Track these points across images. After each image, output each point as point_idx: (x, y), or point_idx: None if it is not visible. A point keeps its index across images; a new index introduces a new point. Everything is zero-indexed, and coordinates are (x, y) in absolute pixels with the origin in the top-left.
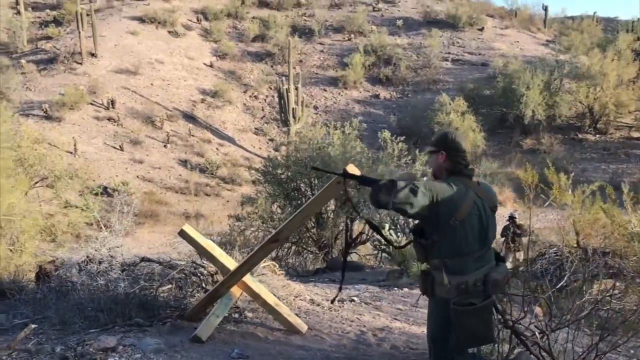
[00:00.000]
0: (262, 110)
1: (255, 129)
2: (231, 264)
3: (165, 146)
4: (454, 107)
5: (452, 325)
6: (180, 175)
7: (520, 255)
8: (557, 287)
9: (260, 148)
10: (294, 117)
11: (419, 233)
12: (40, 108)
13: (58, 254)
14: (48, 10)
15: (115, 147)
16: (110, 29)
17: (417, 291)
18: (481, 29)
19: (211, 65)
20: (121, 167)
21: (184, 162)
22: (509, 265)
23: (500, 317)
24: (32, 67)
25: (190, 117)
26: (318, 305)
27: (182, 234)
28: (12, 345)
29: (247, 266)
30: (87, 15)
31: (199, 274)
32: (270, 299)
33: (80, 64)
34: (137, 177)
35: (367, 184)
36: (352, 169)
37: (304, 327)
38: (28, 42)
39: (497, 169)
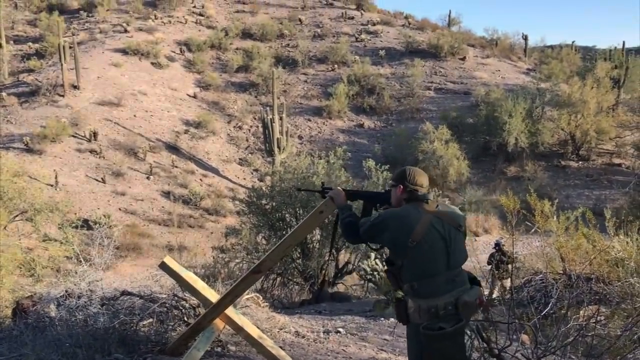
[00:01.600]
0: (247, 140)
1: (240, 159)
2: (213, 296)
3: (148, 178)
4: (437, 135)
5: (424, 350)
6: (163, 207)
7: (507, 283)
8: (543, 314)
9: (244, 178)
10: (278, 147)
11: (389, 262)
12: (21, 141)
13: (36, 289)
14: (30, 43)
15: (97, 180)
16: (93, 61)
17: None
18: (463, 59)
19: (195, 96)
20: (103, 200)
21: (167, 194)
22: (495, 293)
23: (485, 345)
24: (13, 100)
25: (173, 148)
26: (303, 337)
27: (163, 266)
28: None
29: (229, 298)
30: (70, 47)
31: (180, 307)
32: (254, 332)
33: (63, 96)
34: (120, 209)
35: (356, 198)
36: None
37: None
38: (9, 75)
39: (482, 196)
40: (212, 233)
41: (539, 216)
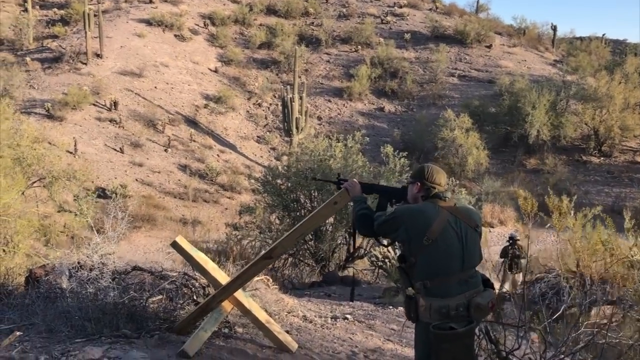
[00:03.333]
0: (265, 118)
1: (258, 137)
2: (223, 278)
3: (165, 150)
4: (458, 123)
5: (432, 350)
6: (179, 180)
7: (519, 278)
8: (554, 317)
9: (261, 156)
10: (297, 127)
11: (401, 259)
12: (42, 107)
13: (50, 258)
14: (56, 9)
15: (115, 149)
16: (116, 30)
17: None
18: (489, 46)
19: (216, 71)
20: (120, 170)
21: (183, 167)
22: (507, 287)
23: (493, 346)
24: (36, 65)
25: (192, 122)
26: (310, 322)
27: (175, 245)
28: None
29: (239, 281)
30: (95, 15)
31: (190, 286)
32: (262, 316)
33: (85, 64)
34: (136, 180)
35: (372, 192)
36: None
37: (294, 346)
38: (34, 40)
39: (500, 187)
40: (226, 209)
41: (557, 217)
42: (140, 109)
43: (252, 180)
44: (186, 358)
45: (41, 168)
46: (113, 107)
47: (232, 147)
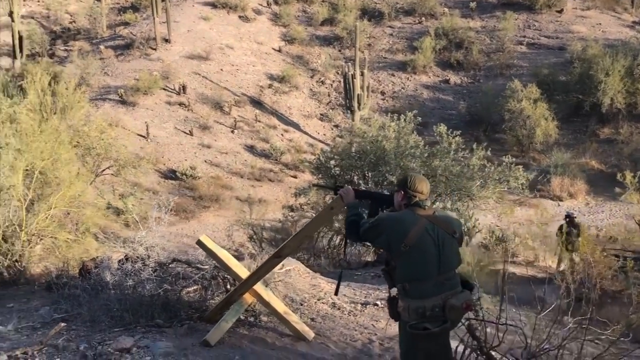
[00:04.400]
0: (328, 95)
1: (321, 114)
2: (244, 273)
3: (232, 131)
4: (526, 94)
5: (410, 347)
6: (245, 160)
7: (577, 257)
8: (541, 315)
9: (324, 134)
10: (358, 103)
11: (386, 262)
12: (116, 93)
13: (93, 249)
14: None
15: (185, 132)
16: (183, 14)
17: None
18: (560, 11)
19: (279, 50)
20: (190, 152)
21: (250, 148)
22: (563, 266)
23: (476, 342)
24: (110, 53)
25: (257, 103)
26: (339, 309)
27: (200, 244)
28: (44, 341)
29: (256, 277)
30: (162, 1)
31: (221, 277)
32: (280, 307)
33: (155, 49)
34: (205, 161)
35: (364, 198)
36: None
37: (310, 335)
38: (107, 28)
39: (570, 159)
40: (290, 187)
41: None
42: (208, 92)
43: (307, 163)
44: (208, 347)
45: (109, 157)
46: (182, 90)
47: (296, 126)
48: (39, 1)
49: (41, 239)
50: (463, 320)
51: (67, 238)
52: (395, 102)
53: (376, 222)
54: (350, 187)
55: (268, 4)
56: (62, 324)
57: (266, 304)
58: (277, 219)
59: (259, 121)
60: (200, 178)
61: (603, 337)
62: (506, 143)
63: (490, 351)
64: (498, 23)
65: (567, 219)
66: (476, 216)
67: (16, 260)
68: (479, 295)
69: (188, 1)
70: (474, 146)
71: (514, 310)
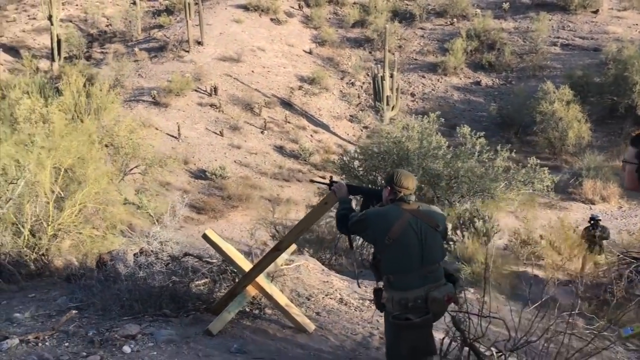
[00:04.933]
0: (358, 97)
1: (350, 116)
2: (247, 266)
3: (262, 132)
4: (558, 95)
5: (394, 337)
6: (274, 161)
7: (601, 259)
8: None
9: (354, 135)
10: (387, 104)
11: (373, 256)
12: (149, 94)
13: (117, 245)
14: (161, 0)
15: (215, 133)
16: (216, 17)
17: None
18: (595, 11)
19: (310, 52)
20: (220, 152)
21: (279, 148)
22: (587, 269)
23: (459, 333)
24: (144, 55)
25: (287, 104)
26: (345, 304)
27: (205, 237)
28: (55, 327)
29: (257, 269)
30: (195, 4)
31: (231, 271)
32: (282, 300)
33: (187, 51)
34: (235, 161)
35: (357, 193)
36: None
37: (311, 327)
38: (142, 31)
39: (603, 162)
40: (318, 188)
41: None
42: (239, 93)
43: (331, 163)
44: (210, 336)
45: (137, 157)
46: (213, 92)
47: (325, 127)
48: (77, 5)
49: (67, 234)
50: (448, 313)
51: (93, 234)
52: (425, 104)
53: (362, 216)
54: (343, 182)
55: (300, 7)
56: (74, 312)
57: (268, 296)
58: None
59: (289, 122)
60: (230, 178)
61: (587, 331)
62: (537, 145)
63: (474, 343)
64: (531, 24)
65: (592, 222)
66: (501, 219)
67: (42, 254)
68: (461, 289)
69: (221, 4)
70: (498, 147)
71: (507, 305)
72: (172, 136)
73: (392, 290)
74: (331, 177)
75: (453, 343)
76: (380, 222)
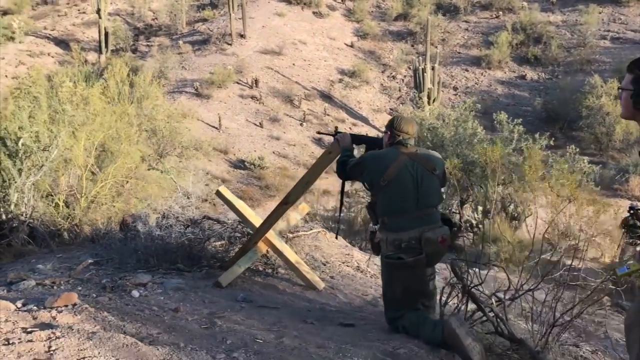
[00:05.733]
0: (399, 90)
1: (391, 109)
2: (258, 222)
3: (301, 124)
4: (606, 90)
5: (388, 277)
6: (312, 152)
7: None
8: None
9: None
10: (429, 97)
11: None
12: (192, 86)
13: (141, 208)
14: None
15: (255, 124)
16: (259, 10)
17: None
18: None
19: (352, 45)
20: (259, 143)
21: (317, 140)
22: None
23: (459, 281)
24: (188, 48)
25: (326, 97)
26: (362, 272)
27: (218, 194)
28: (72, 274)
29: (267, 225)
30: None
31: (243, 232)
32: (292, 257)
33: (230, 44)
34: (273, 152)
35: (360, 142)
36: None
37: (321, 285)
38: (186, 24)
39: None
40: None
41: None
42: (279, 86)
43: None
44: (219, 287)
45: (174, 140)
46: (254, 84)
47: (365, 120)
48: None
49: (100, 207)
50: (446, 260)
51: (123, 206)
52: (467, 98)
53: (360, 159)
54: (347, 132)
55: (342, 0)
56: (90, 261)
57: (278, 252)
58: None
59: (328, 115)
60: (268, 168)
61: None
62: (583, 141)
63: (474, 290)
64: (580, 17)
65: (632, 211)
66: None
67: (76, 224)
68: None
69: None
70: (537, 135)
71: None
72: (213, 127)
73: (387, 231)
74: (336, 127)
75: (452, 290)
76: (377, 163)
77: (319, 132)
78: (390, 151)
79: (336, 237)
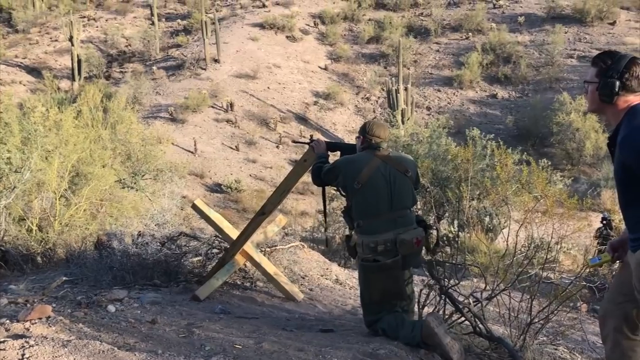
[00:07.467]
0: (374, 111)
1: None
2: (235, 234)
3: (277, 147)
4: (574, 106)
5: (365, 281)
6: None
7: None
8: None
9: None
10: (402, 116)
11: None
12: (167, 111)
13: (115, 227)
14: (179, 20)
15: (231, 147)
16: (232, 35)
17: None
18: (612, 23)
19: (325, 68)
20: (236, 166)
21: (294, 162)
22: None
23: (436, 282)
24: (162, 73)
25: (302, 119)
26: (341, 284)
27: (194, 207)
28: (45, 292)
29: (244, 237)
30: (212, 23)
31: (220, 247)
32: (270, 269)
33: (204, 69)
34: (250, 175)
35: (335, 149)
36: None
37: (299, 296)
38: (160, 50)
39: None
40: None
41: None
42: (254, 109)
43: None
44: (197, 300)
45: (147, 163)
46: (229, 108)
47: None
48: (97, 27)
49: (73, 230)
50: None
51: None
52: (441, 117)
53: (334, 164)
54: (322, 139)
55: (315, 24)
56: (64, 278)
57: (256, 264)
58: (312, 226)
59: (304, 136)
60: (245, 191)
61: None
62: (555, 157)
63: (450, 291)
64: (547, 37)
65: (604, 222)
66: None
67: (50, 248)
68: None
69: (237, 23)
70: (509, 150)
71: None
72: (189, 151)
73: (362, 234)
74: (311, 135)
75: (430, 291)
76: (350, 167)
77: (294, 141)
78: (364, 155)
79: (326, 246)
